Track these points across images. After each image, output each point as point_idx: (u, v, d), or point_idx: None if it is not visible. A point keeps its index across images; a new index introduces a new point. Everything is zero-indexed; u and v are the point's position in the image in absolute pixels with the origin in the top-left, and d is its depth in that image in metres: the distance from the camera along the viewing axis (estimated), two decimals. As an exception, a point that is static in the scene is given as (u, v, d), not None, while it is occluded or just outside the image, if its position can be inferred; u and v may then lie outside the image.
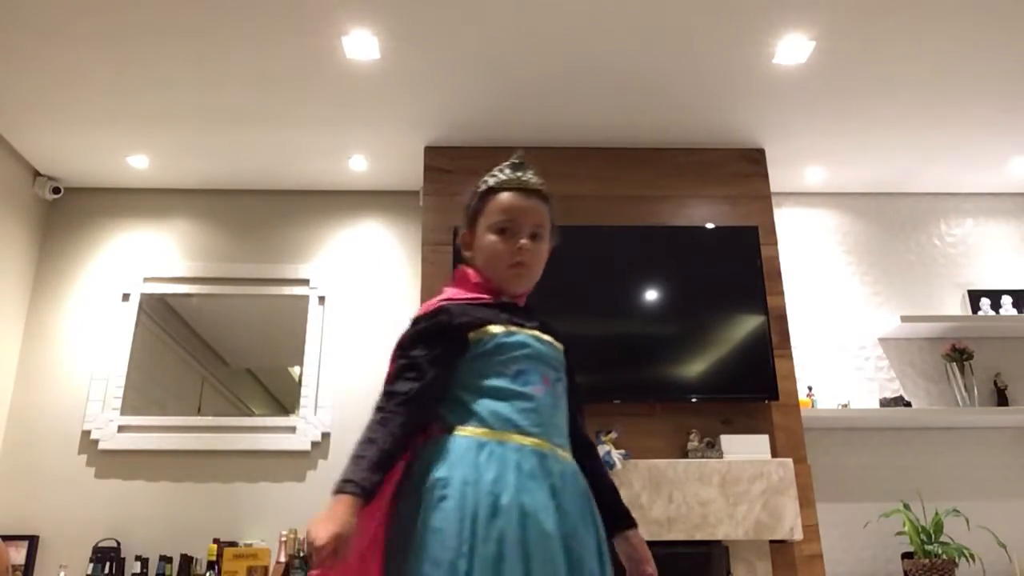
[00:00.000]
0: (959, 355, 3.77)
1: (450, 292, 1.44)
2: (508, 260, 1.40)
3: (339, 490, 1.16)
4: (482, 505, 1.19)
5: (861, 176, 4.04)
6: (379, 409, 1.29)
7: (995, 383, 3.81)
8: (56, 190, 3.96)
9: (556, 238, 1.50)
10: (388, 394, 1.31)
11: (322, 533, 1.09)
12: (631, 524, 1.46)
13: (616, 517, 1.45)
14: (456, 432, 1.29)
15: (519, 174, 1.47)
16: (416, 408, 1.29)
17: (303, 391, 3.72)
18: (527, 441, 1.27)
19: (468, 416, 1.30)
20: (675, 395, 3.28)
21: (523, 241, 1.41)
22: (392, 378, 1.36)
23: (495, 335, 1.34)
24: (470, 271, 1.46)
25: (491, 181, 1.48)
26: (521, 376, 1.32)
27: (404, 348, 1.39)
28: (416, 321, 1.41)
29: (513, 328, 1.36)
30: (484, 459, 1.24)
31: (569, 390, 1.44)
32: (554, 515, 1.22)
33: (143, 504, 3.54)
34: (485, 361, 1.34)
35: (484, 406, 1.30)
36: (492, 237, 1.42)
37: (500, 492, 1.20)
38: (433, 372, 1.32)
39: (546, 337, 1.41)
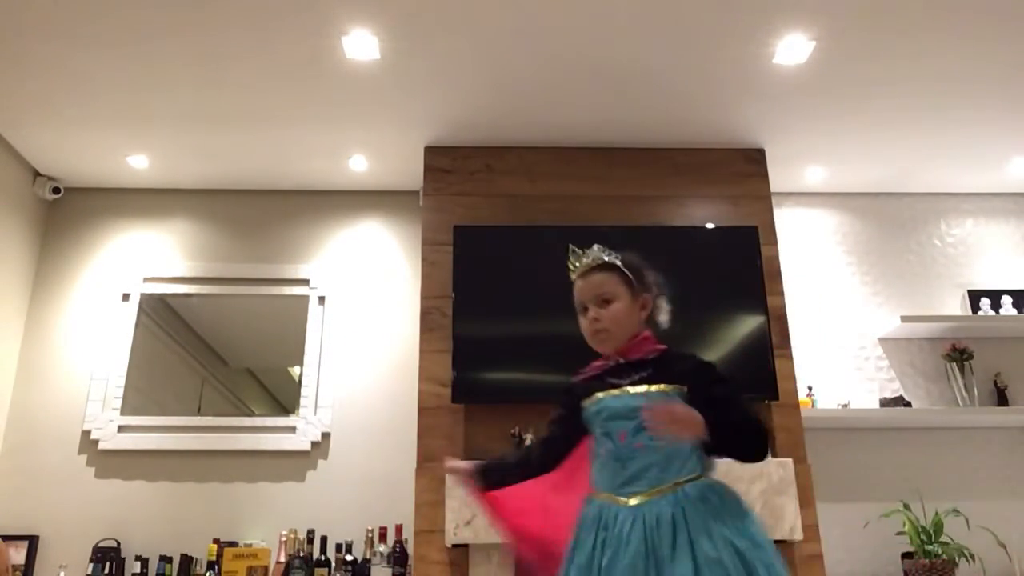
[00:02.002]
0: (959, 355, 3.77)
1: (594, 364, 1.76)
2: (589, 331, 1.71)
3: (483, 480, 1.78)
4: (568, 551, 1.62)
5: (861, 176, 4.04)
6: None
7: (995, 383, 3.81)
8: (56, 190, 3.96)
9: (647, 286, 1.73)
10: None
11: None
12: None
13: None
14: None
15: (575, 263, 1.76)
16: (538, 454, 1.81)
17: (303, 391, 3.72)
18: (596, 496, 1.62)
19: (590, 478, 1.68)
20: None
21: (591, 312, 1.70)
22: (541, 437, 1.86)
23: (588, 407, 1.68)
24: None
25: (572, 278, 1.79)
26: (601, 438, 1.64)
27: (551, 419, 1.82)
28: (560, 398, 1.80)
29: (600, 395, 1.66)
30: (578, 517, 1.64)
31: (698, 403, 1.56)
32: (588, 553, 1.54)
33: (143, 504, 3.54)
34: (591, 429, 1.69)
35: (592, 469, 1.67)
36: (580, 319, 1.74)
37: (572, 544, 1.61)
38: (558, 431, 1.78)
39: (635, 390, 1.63)
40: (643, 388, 1.62)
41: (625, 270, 1.71)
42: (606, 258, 1.73)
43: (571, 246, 1.78)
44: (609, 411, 1.62)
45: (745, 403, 1.63)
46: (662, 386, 1.61)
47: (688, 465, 1.56)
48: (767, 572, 1.43)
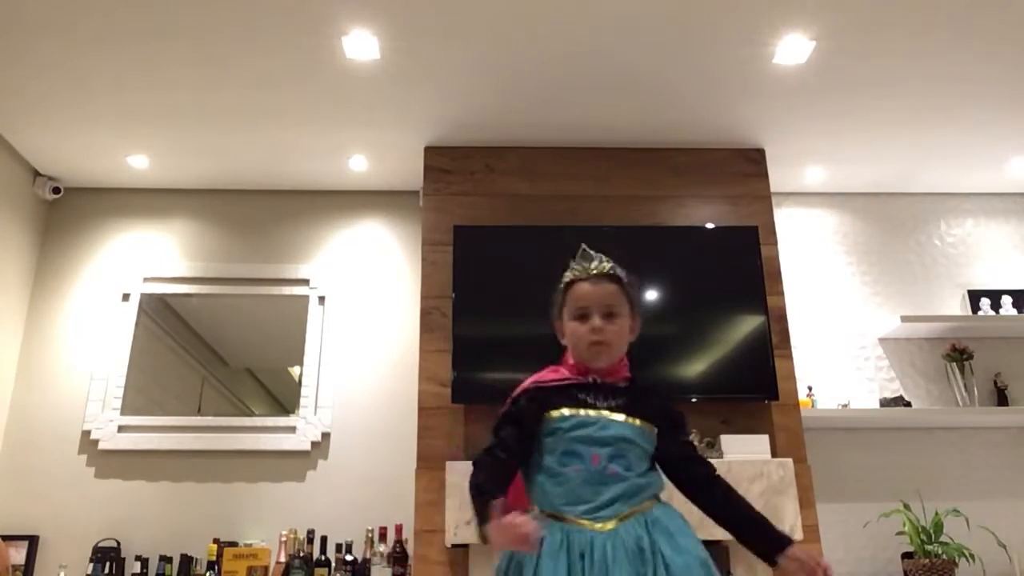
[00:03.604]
0: (959, 355, 3.77)
1: (546, 372, 1.66)
2: (587, 340, 1.61)
3: (487, 511, 1.39)
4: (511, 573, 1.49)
5: (861, 176, 4.04)
6: (475, 463, 1.57)
7: (995, 383, 3.81)
8: (56, 190, 3.96)
9: (640, 307, 1.70)
10: (477, 463, 1.57)
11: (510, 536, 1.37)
12: (787, 543, 1.53)
13: (769, 542, 1.55)
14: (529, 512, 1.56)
15: (586, 264, 1.67)
16: (499, 473, 1.57)
17: (303, 391, 3.72)
18: (554, 519, 1.51)
19: (533, 493, 1.58)
20: (675, 395, 3.28)
21: (596, 322, 1.60)
22: (486, 450, 1.60)
23: (555, 419, 1.57)
24: (569, 355, 1.68)
25: (567, 276, 1.69)
26: (564, 456, 1.54)
27: (497, 427, 1.62)
28: (513, 400, 1.65)
29: (579, 411, 1.57)
30: None
31: (667, 451, 1.61)
32: None
33: (143, 504, 3.54)
34: (546, 440, 1.57)
35: (539, 484, 1.56)
36: (574, 323, 1.63)
37: (524, 563, 1.48)
38: (517, 447, 1.59)
39: (615, 417, 1.57)
40: (622, 417, 1.58)
41: (629, 289, 1.67)
42: (618, 270, 1.68)
43: (584, 245, 1.71)
44: (584, 431, 1.55)
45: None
46: (638, 422, 1.58)
47: (651, 490, 1.57)
48: None
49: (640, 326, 1.70)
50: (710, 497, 1.62)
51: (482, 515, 1.42)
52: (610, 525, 1.49)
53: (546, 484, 1.55)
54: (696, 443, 3.16)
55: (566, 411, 1.58)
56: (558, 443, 1.55)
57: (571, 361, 1.67)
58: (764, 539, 1.57)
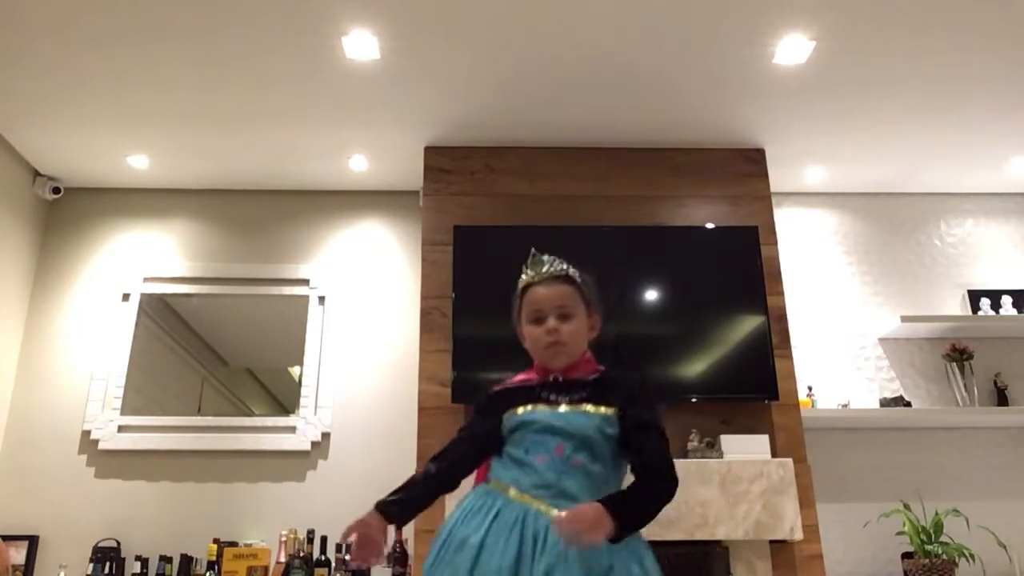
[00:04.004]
0: (959, 355, 3.77)
1: (517, 376, 1.72)
2: (544, 342, 1.64)
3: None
4: (454, 538, 1.53)
5: (861, 176, 4.04)
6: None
7: (995, 383, 3.81)
8: (56, 190, 3.96)
9: (598, 308, 1.71)
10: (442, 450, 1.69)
11: (345, 529, 1.56)
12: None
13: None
14: (481, 483, 1.65)
15: (538, 268, 1.70)
16: (449, 460, 1.67)
17: (303, 391, 3.72)
18: (518, 497, 1.52)
19: (493, 469, 1.63)
20: (675, 395, 3.28)
21: (551, 323, 1.63)
22: (459, 430, 1.73)
23: (517, 415, 1.61)
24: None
25: (521, 282, 1.72)
26: (531, 448, 1.57)
27: (472, 413, 1.73)
28: (484, 393, 1.72)
29: (539, 407, 1.60)
30: (477, 504, 1.56)
31: (625, 438, 1.58)
32: (511, 558, 1.44)
33: (143, 504, 3.54)
34: (510, 435, 1.62)
35: (503, 466, 1.60)
36: (530, 327, 1.67)
37: (470, 533, 1.51)
38: (470, 437, 1.69)
39: (575, 408, 1.58)
40: (585, 408, 1.57)
41: (583, 288, 1.68)
42: (570, 271, 1.69)
43: (533, 250, 1.72)
44: (548, 426, 1.56)
45: (664, 444, 1.58)
46: (602, 409, 1.56)
47: (613, 488, 1.55)
48: None
49: (599, 323, 1.70)
50: (640, 470, 1.57)
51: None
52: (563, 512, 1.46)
53: (510, 468, 1.57)
54: (697, 443, 3.16)
55: (527, 408, 1.61)
56: (525, 436, 1.58)
57: (536, 365, 1.70)
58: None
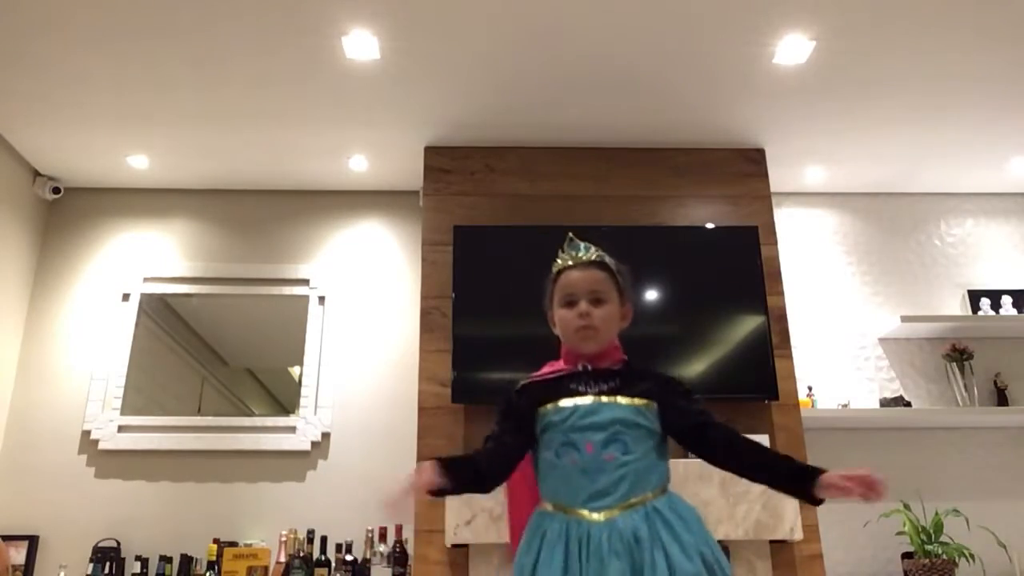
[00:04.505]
0: (959, 355, 3.77)
1: (546, 368, 1.70)
2: (575, 325, 1.63)
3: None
4: (525, 568, 1.53)
5: (861, 176, 4.04)
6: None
7: (995, 383, 3.81)
8: (56, 190, 3.96)
9: (632, 297, 1.71)
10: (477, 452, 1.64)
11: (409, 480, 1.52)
12: (817, 474, 1.50)
13: (802, 483, 1.52)
14: (537, 507, 1.62)
15: (573, 252, 1.70)
16: (484, 463, 1.61)
17: (303, 391, 3.72)
18: (556, 510, 1.54)
19: (540, 489, 1.61)
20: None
21: (583, 307, 1.62)
22: (486, 439, 1.65)
23: (548, 412, 1.59)
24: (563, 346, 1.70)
25: (556, 266, 1.72)
26: (562, 448, 1.56)
27: (496, 419, 1.67)
28: (506, 397, 1.68)
29: (569, 401, 1.58)
30: (530, 530, 1.57)
31: (672, 423, 1.61)
32: (558, 569, 1.47)
33: (143, 504, 3.54)
34: (543, 437, 1.60)
35: (542, 479, 1.60)
36: (562, 311, 1.66)
37: (526, 559, 1.54)
38: (510, 439, 1.62)
39: (607, 400, 1.57)
40: (616, 399, 1.58)
41: (618, 276, 1.69)
42: (606, 258, 1.70)
43: (571, 234, 1.73)
44: (577, 419, 1.56)
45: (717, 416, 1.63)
46: (635, 400, 1.58)
47: (655, 479, 1.56)
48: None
49: (632, 313, 1.71)
50: (732, 459, 1.61)
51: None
52: (604, 515, 1.49)
53: (548, 478, 1.57)
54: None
55: (557, 403, 1.59)
56: (554, 436, 1.57)
57: (563, 352, 1.69)
58: (796, 482, 1.55)
